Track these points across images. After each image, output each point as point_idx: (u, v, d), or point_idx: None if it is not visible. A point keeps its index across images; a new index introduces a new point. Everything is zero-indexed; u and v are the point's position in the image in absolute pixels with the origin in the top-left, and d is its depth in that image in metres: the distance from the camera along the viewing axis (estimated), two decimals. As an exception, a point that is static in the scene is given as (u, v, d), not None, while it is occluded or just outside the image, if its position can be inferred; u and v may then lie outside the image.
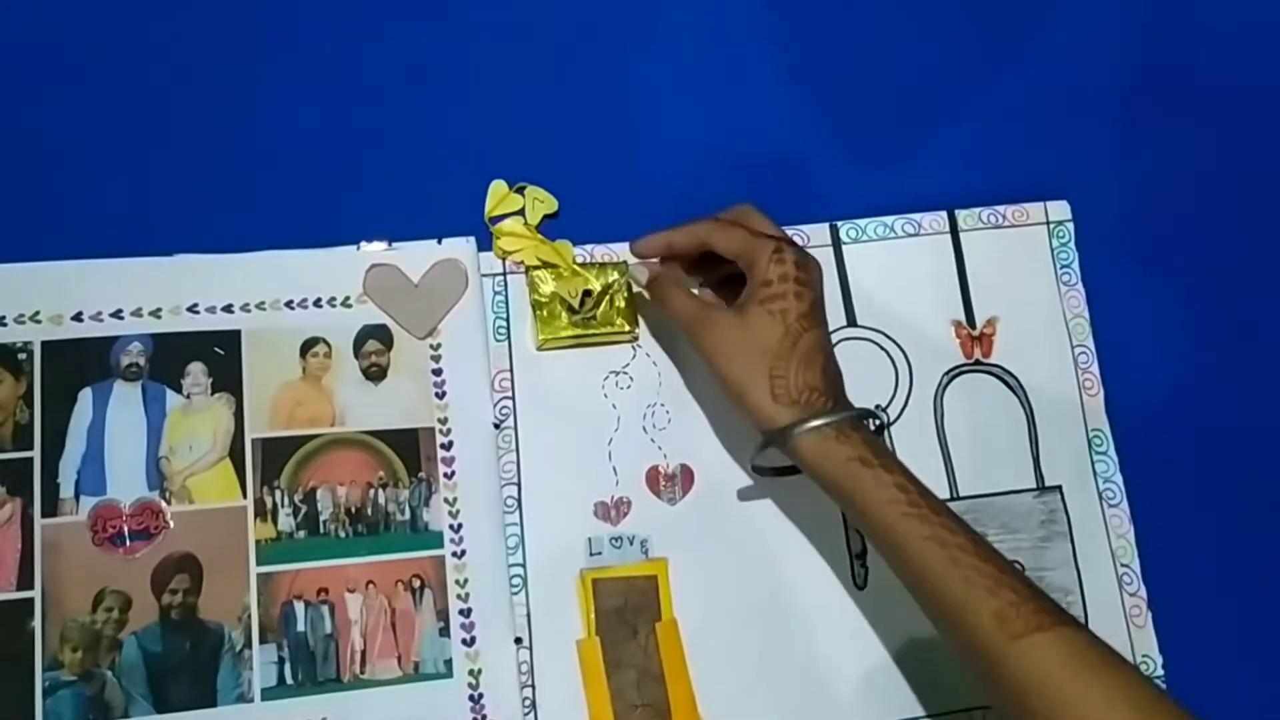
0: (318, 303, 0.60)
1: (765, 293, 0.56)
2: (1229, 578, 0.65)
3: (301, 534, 0.57)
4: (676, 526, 0.61)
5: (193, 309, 0.59)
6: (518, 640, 0.58)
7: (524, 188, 0.64)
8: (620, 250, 0.64)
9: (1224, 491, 0.66)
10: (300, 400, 0.59)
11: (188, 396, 0.58)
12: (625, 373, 0.63)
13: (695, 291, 0.61)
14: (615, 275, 0.62)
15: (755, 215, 0.60)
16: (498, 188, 0.64)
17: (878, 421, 0.56)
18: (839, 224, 0.66)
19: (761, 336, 0.55)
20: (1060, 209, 0.68)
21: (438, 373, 0.61)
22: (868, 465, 0.53)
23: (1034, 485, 0.64)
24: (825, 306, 0.58)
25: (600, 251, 0.64)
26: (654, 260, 0.61)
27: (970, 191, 0.68)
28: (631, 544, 0.60)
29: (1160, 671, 0.62)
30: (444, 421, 0.60)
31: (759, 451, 0.56)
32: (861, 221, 0.67)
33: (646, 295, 0.62)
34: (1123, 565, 0.64)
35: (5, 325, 0.57)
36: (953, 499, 0.63)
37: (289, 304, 0.60)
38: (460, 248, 0.62)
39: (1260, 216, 0.71)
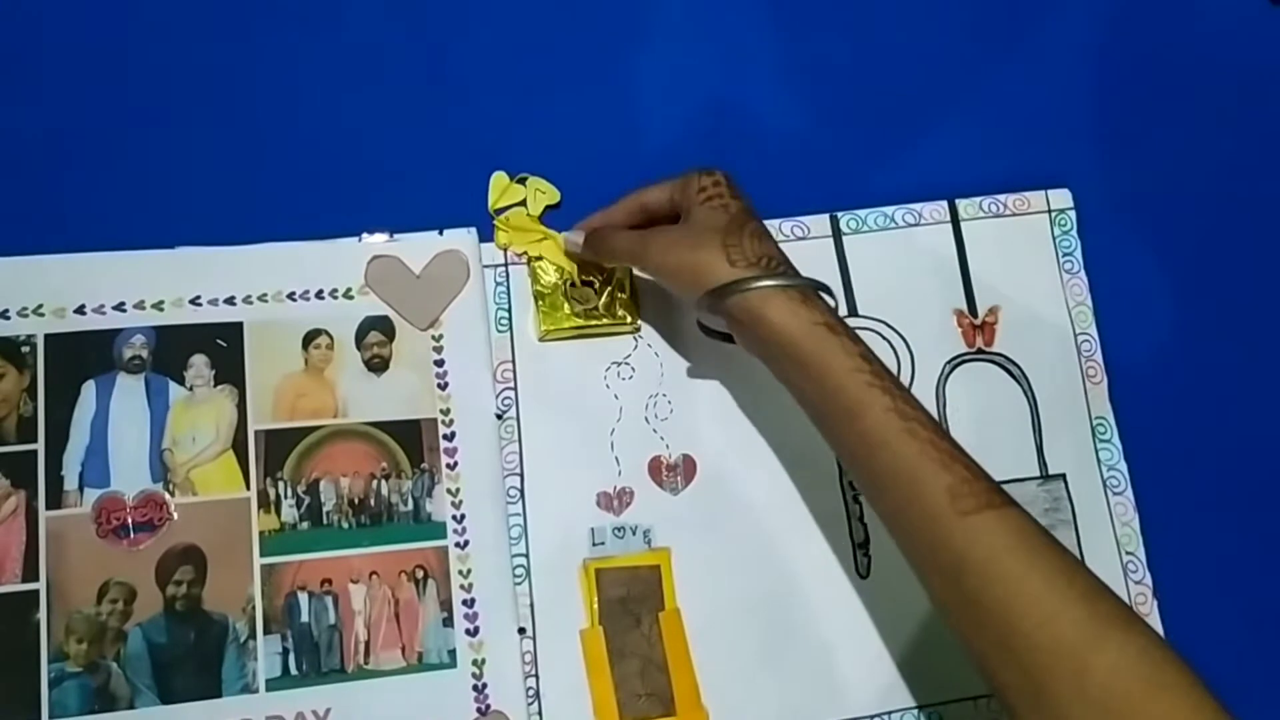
0: (320, 294, 0.60)
1: (702, 196, 0.56)
2: (1233, 565, 0.65)
3: (305, 525, 0.57)
4: (679, 516, 0.61)
5: (195, 301, 0.59)
6: (521, 630, 0.58)
7: (525, 179, 0.64)
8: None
9: (1228, 478, 0.66)
10: (303, 392, 0.59)
11: (190, 389, 0.58)
12: (627, 363, 0.63)
13: None
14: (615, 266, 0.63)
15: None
16: (499, 179, 0.64)
17: (833, 300, 0.55)
18: (839, 214, 0.66)
19: (708, 223, 0.56)
20: (1062, 197, 0.68)
21: (440, 364, 0.61)
22: (834, 332, 0.52)
23: (1038, 474, 0.64)
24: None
25: (601, 242, 0.64)
26: (581, 235, 0.62)
27: (971, 180, 0.68)
28: (634, 534, 0.60)
29: (1165, 659, 0.62)
30: (446, 412, 0.60)
31: (709, 303, 0.55)
32: (862, 212, 0.67)
33: (582, 253, 0.62)
34: (1127, 553, 0.64)
35: (8, 318, 0.57)
36: (956, 488, 0.63)
37: (291, 296, 0.60)
38: (462, 239, 0.62)
39: (1263, 203, 0.71)
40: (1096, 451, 0.65)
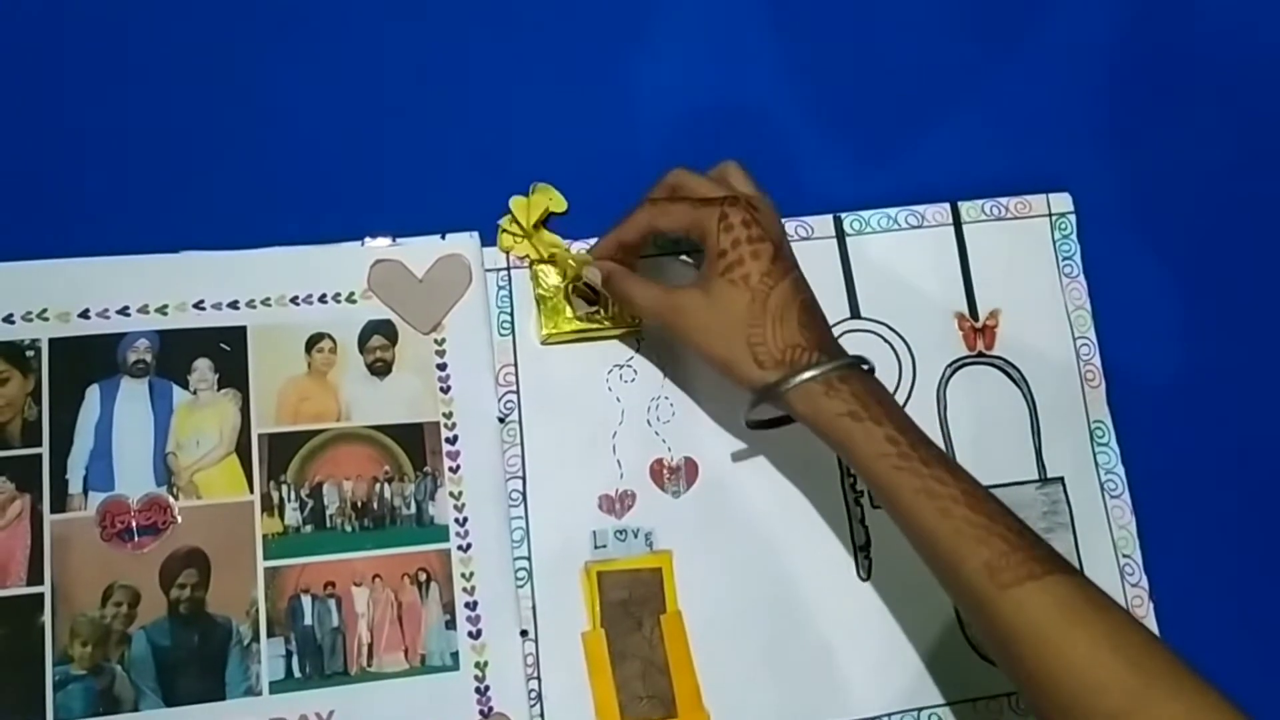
0: (323, 298, 0.60)
1: (722, 264, 0.55)
2: (1230, 569, 0.65)
3: (308, 528, 0.58)
4: (681, 519, 0.61)
5: (199, 305, 0.59)
6: (523, 632, 0.59)
7: (536, 187, 0.64)
8: (623, 244, 0.64)
9: (1226, 482, 0.66)
10: (306, 395, 0.59)
11: (194, 392, 0.58)
12: (629, 366, 0.63)
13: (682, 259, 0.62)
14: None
15: (713, 177, 0.59)
16: (520, 203, 0.63)
17: (867, 366, 0.55)
18: (843, 215, 0.67)
19: (730, 308, 0.55)
20: (1062, 201, 0.68)
21: (442, 367, 0.61)
22: (857, 419, 0.52)
23: (1036, 477, 0.65)
24: (789, 247, 0.57)
25: (603, 245, 0.64)
26: (598, 275, 0.60)
27: (973, 183, 0.68)
28: (636, 536, 0.61)
29: (1162, 661, 0.63)
30: (449, 416, 0.60)
31: (751, 409, 0.56)
32: (865, 213, 0.67)
33: (605, 294, 0.61)
34: (1124, 556, 0.64)
35: (13, 323, 0.57)
36: (955, 490, 0.63)
37: (294, 300, 0.60)
38: (464, 243, 0.62)
39: (1263, 208, 0.71)
40: (1095, 455, 0.65)
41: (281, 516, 0.58)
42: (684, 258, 0.64)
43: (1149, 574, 0.64)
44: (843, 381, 0.53)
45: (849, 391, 0.53)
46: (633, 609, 0.60)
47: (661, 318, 0.58)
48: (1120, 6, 0.73)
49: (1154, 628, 0.63)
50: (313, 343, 0.60)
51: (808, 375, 0.53)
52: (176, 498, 0.57)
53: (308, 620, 0.57)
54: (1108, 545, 0.64)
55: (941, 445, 0.64)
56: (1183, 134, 0.72)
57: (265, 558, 0.57)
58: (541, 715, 0.58)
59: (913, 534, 0.52)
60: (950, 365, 0.65)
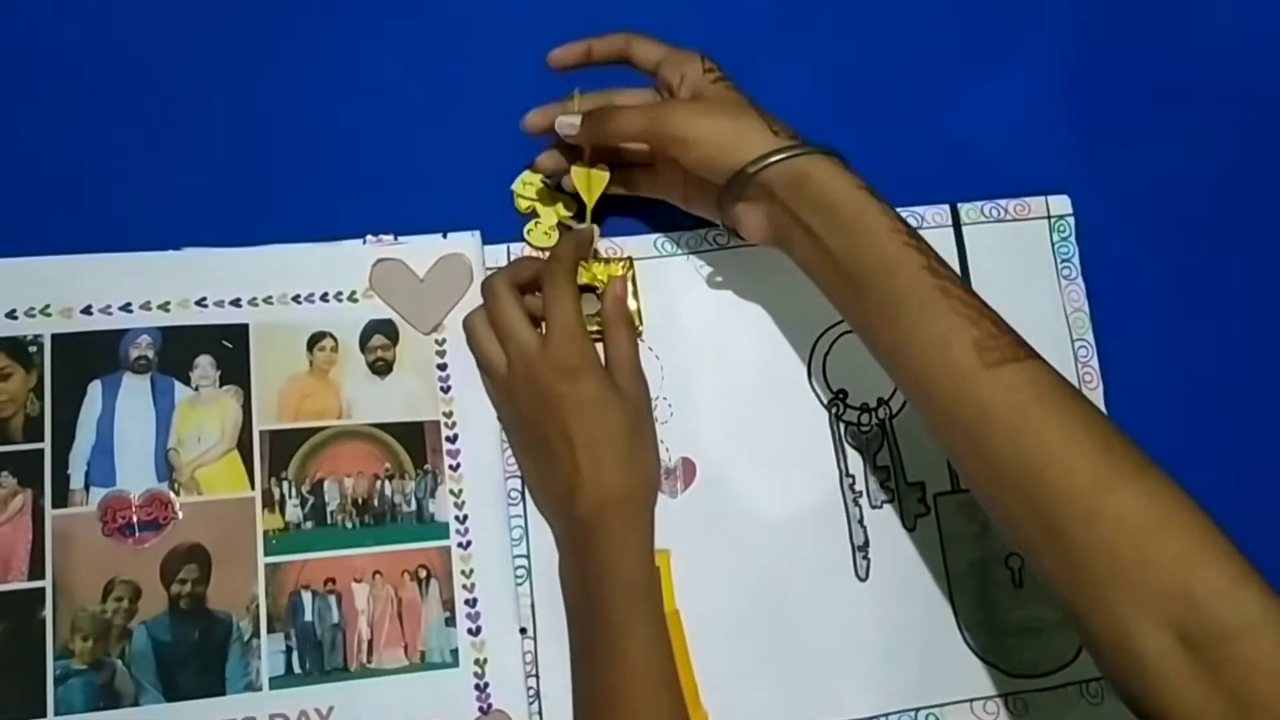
0: (324, 297, 0.61)
1: (711, 76, 0.57)
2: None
3: (309, 525, 0.58)
4: (678, 519, 0.61)
5: (201, 303, 0.59)
6: (523, 630, 0.59)
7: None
8: (624, 244, 0.64)
9: (1222, 486, 0.66)
10: (307, 393, 0.59)
11: (196, 389, 0.59)
12: (629, 366, 0.63)
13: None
14: (620, 270, 0.63)
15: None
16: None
17: None
18: (841, 218, 0.67)
19: (733, 98, 0.56)
20: (1061, 203, 0.69)
21: (443, 367, 0.61)
22: (874, 195, 0.53)
23: (1034, 478, 0.65)
24: None
25: (603, 246, 0.64)
26: (577, 117, 0.59)
27: (972, 185, 0.68)
28: (635, 535, 0.61)
29: (1158, 662, 0.63)
30: (449, 415, 0.61)
31: (753, 172, 0.54)
32: (864, 215, 0.67)
33: (579, 137, 0.59)
34: (1122, 557, 0.64)
35: (16, 318, 0.57)
36: (953, 491, 0.64)
37: (296, 298, 0.60)
38: (465, 242, 0.63)
39: (1261, 211, 0.71)
40: (1093, 456, 0.65)
41: (282, 513, 0.58)
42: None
43: (1146, 575, 0.64)
44: (853, 168, 0.54)
45: (861, 175, 0.54)
46: (631, 607, 0.60)
47: (653, 128, 0.56)
48: (1120, 9, 0.73)
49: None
50: (314, 341, 0.60)
51: (824, 148, 0.54)
52: (178, 494, 0.57)
53: (308, 616, 0.57)
54: (1105, 547, 0.64)
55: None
56: (1181, 137, 0.72)
57: (266, 554, 0.57)
58: (540, 712, 0.58)
59: (899, 313, 0.51)
60: (949, 366, 0.66)
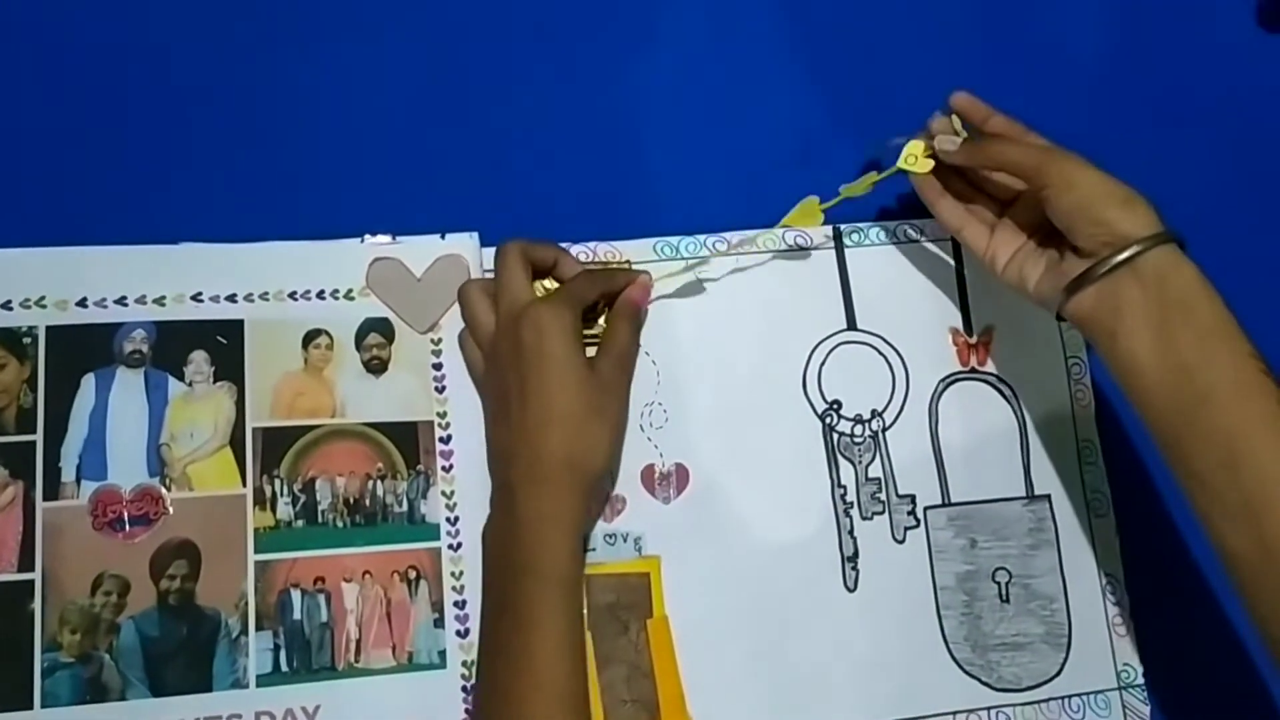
0: (320, 294, 0.60)
1: (1070, 161, 0.57)
2: (1211, 590, 0.66)
3: (300, 523, 0.58)
4: (670, 525, 0.61)
5: (196, 298, 0.59)
6: (511, 633, 0.59)
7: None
8: (623, 249, 0.64)
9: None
10: (301, 391, 0.59)
11: (190, 384, 0.58)
12: (624, 371, 0.63)
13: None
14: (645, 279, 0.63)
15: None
16: (810, 204, 0.64)
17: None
18: (842, 227, 0.67)
19: (1094, 171, 0.56)
20: (1060, 220, 0.69)
21: (438, 367, 0.61)
22: (1230, 308, 0.54)
23: (1023, 494, 0.65)
24: None
25: (603, 249, 0.64)
26: (957, 139, 0.60)
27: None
28: (625, 541, 0.61)
29: (1140, 680, 0.63)
30: (443, 415, 0.60)
31: (1132, 254, 0.54)
32: (864, 225, 0.67)
33: (955, 157, 0.60)
34: (1107, 574, 0.65)
35: (10, 310, 0.57)
36: (944, 504, 0.64)
37: (292, 295, 0.60)
38: (463, 243, 0.62)
39: (1256, 223, 0.71)
40: (1082, 473, 0.66)
41: (273, 510, 0.58)
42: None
43: (1131, 593, 0.65)
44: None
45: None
46: (620, 613, 0.60)
47: (1042, 169, 0.56)
48: (1118, 15, 0.73)
49: (1135, 647, 0.64)
50: (309, 338, 0.60)
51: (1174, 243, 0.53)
52: (169, 489, 0.57)
53: (297, 615, 0.57)
54: (1091, 563, 0.65)
55: (932, 460, 0.65)
56: (1179, 151, 0.72)
57: (256, 551, 0.57)
58: (526, 716, 0.58)
59: (1248, 443, 0.50)
60: (943, 380, 0.66)
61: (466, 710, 0.57)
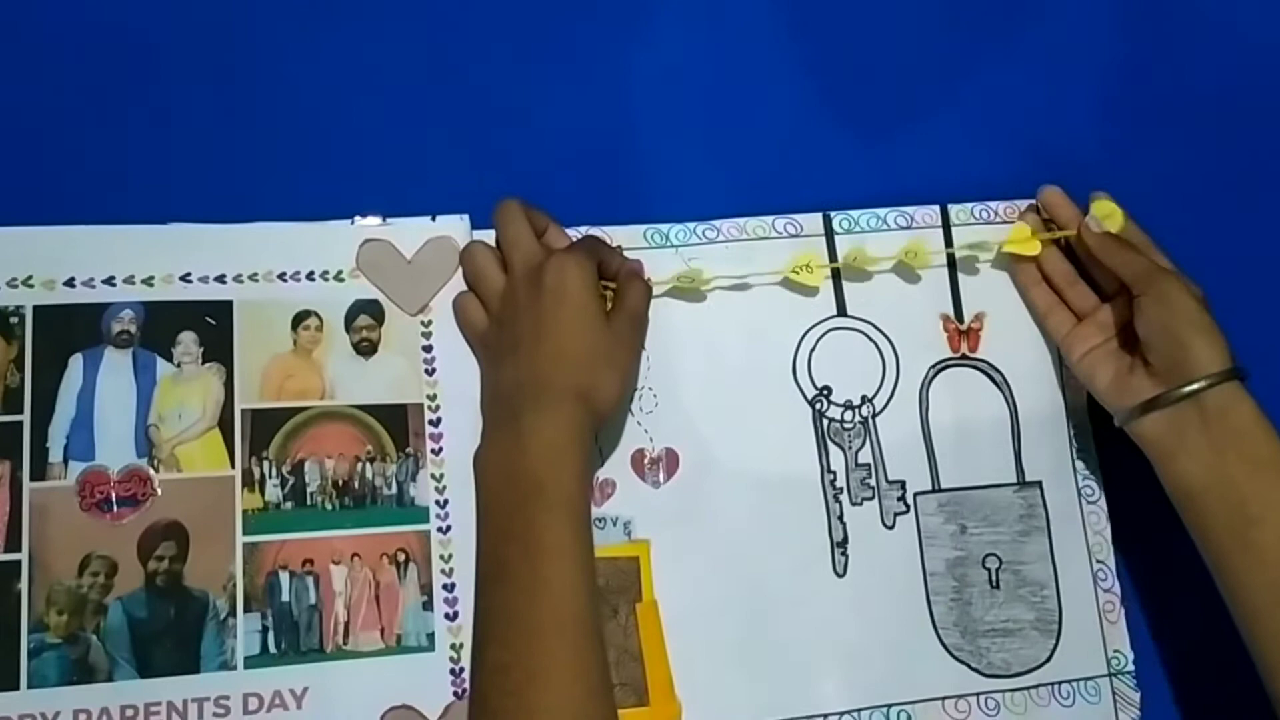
0: (310, 276, 0.60)
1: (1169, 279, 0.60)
2: (1201, 577, 0.65)
3: (288, 505, 0.58)
4: (660, 509, 0.61)
5: (185, 278, 0.59)
6: (499, 616, 0.59)
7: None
8: (614, 233, 0.64)
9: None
10: (290, 372, 0.59)
11: (178, 365, 0.58)
12: (614, 355, 0.63)
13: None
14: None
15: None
16: (1022, 230, 0.66)
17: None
18: (832, 214, 0.67)
19: (1187, 295, 0.59)
20: (1052, 206, 0.69)
21: (428, 349, 0.61)
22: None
23: (1014, 480, 0.65)
24: None
25: (594, 235, 0.64)
26: (1101, 226, 0.63)
27: (963, 186, 0.68)
28: (615, 525, 0.61)
29: (1131, 667, 0.63)
30: (433, 398, 0.60)
31: (1218, 380, 0.57)
32: (854, 213, 0.67)
33: (1095, 244, 0.63)
34: (1098, 561, 0.65)
35: (-3, 289, 0.57)
36: (935, 490, 0.64)
37: (281, 276, 0.60)
38: (454, 225, 0.62)
39: (1255, 215, 0.72)
40: (1073, 460, 0.66)
41: (262, 492, 0.58)
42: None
43: (1122, 580, 0.65)
44: None
45: None
46: (609, 597, 0.60)
47: (1150, 282, 0.59)
48: (1115, 9, 0.73)
49: (1125, 635, 0.64)
50: (299, 320, 0.60)
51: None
52: (157, 470, 0.57)
53: (285, 597, 0.57)
54: (1082, 550, 0.65)
55: (922, 445, 0.65)
56: (1174, 139, 0.72)
57: (244, 533, 0.57)
58: (514, 699, 0.58)
59: None
60: (934, 366, 0.66)
61: (455, 693, 0.57)
